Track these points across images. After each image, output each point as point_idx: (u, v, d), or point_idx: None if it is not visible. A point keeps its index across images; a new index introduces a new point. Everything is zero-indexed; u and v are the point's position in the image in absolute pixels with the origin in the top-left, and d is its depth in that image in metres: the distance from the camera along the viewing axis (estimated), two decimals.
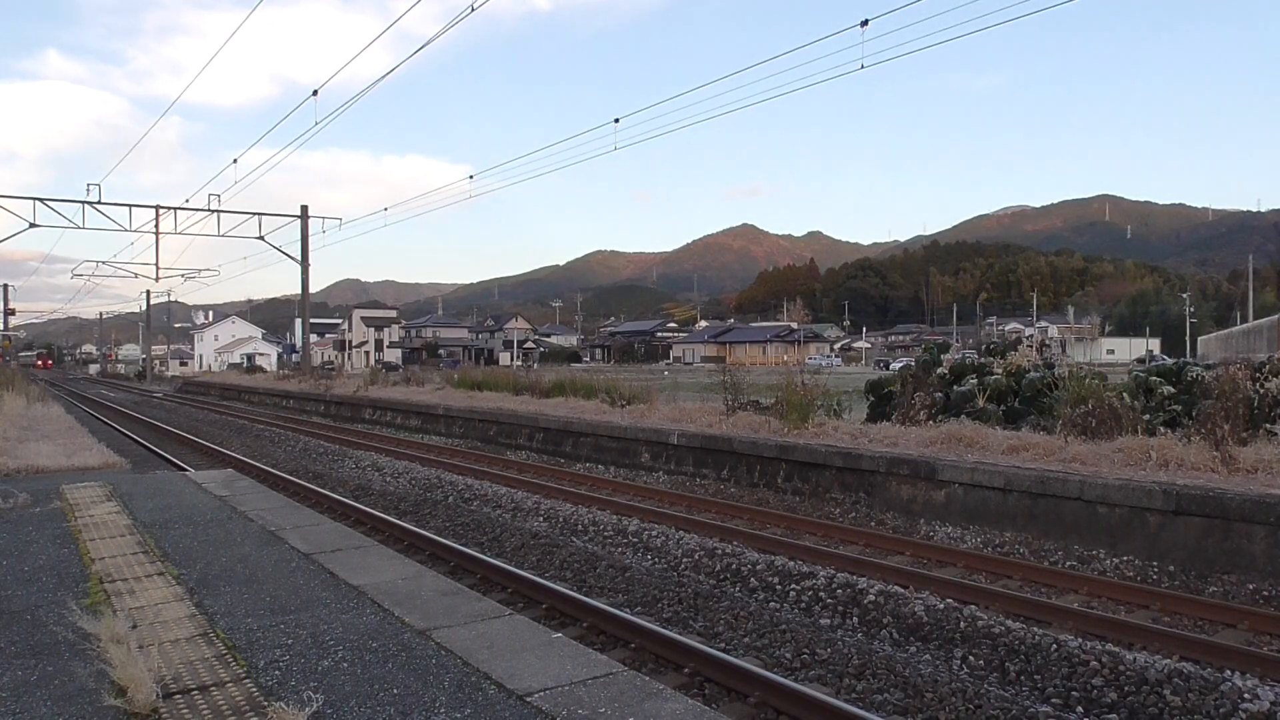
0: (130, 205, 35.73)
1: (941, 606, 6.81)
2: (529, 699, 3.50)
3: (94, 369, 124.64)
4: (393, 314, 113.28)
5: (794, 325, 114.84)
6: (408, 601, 4.87)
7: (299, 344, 59.10)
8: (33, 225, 33.54)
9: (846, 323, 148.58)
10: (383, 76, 19.29)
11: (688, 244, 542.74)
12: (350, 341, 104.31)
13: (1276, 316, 44.83)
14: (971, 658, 6.03)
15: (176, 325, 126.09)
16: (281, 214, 39.80)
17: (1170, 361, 16.87)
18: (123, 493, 8.84)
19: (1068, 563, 8.60)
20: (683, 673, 5.64)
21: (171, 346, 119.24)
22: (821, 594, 7.36)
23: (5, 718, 3.35)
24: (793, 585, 7.62)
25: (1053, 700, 5.38)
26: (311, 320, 58.10)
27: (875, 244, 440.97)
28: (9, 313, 69.51)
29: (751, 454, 13.26)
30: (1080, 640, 6.01)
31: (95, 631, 4.04)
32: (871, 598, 7.10)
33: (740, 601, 7.29)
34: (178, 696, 3.54)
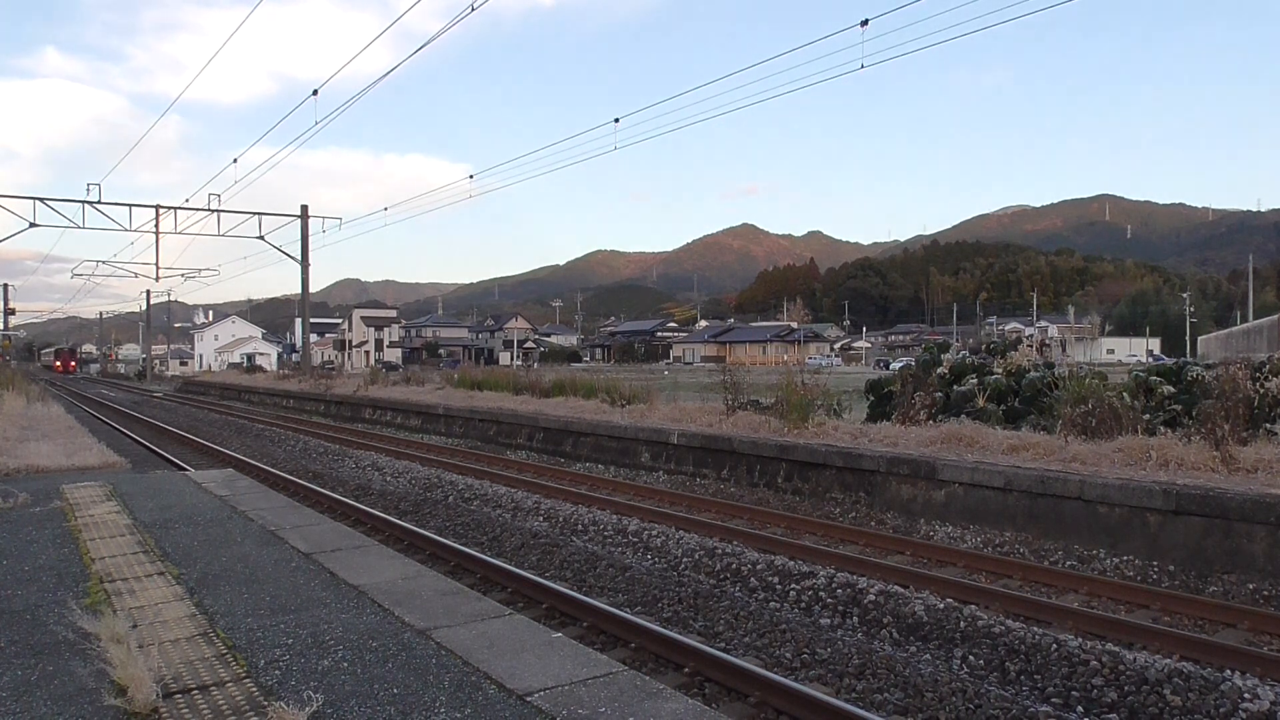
0: (130, 205, 35.77)
1: (941, 606, 6.81)
2: (529, 698, 3.50)
3: (94, 369, 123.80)
4: (393, 314, 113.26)
5: (794, 325, 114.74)
6: (408, 601, 4.87)
7: (299, 344, 59.11)
8: (33, 225, 33.56)
9: (846, 323, 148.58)
10: (384, 75, 19.29)
11: (688, 244, 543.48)
12: (350, 341, 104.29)
13: (1276, 316, 44.83)
14: (971, 657, 6.02)
15: (176, 325, 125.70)
16: (281, 214, 39.85)
17: (1170, 361, 16.86)
18: (123, 492, 8.84)
19: (1068, 562, 8.59)
20: (683, 672, 5.64)
21: (171, 346, 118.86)
22: (821, 594, 7.36)
23: (5, 718, 3.35)
24: (793, 585, 7.62)
25: (1053, 700, 5.38)
26: (311, 320, 58.10)
27: (875, 244, 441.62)
28: (9, 312, 69.54)
29: (751, 454, 13.26)
30: (1080, 640, 6.01)
31: (95, 631, 4.04)
32: (871, 597, 7.10)
33: (740, 601, 7.29)
34: (178, 696, 3.54)
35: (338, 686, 3.64)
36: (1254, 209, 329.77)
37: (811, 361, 71.71)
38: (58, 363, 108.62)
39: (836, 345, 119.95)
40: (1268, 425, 11.13)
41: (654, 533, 9.67)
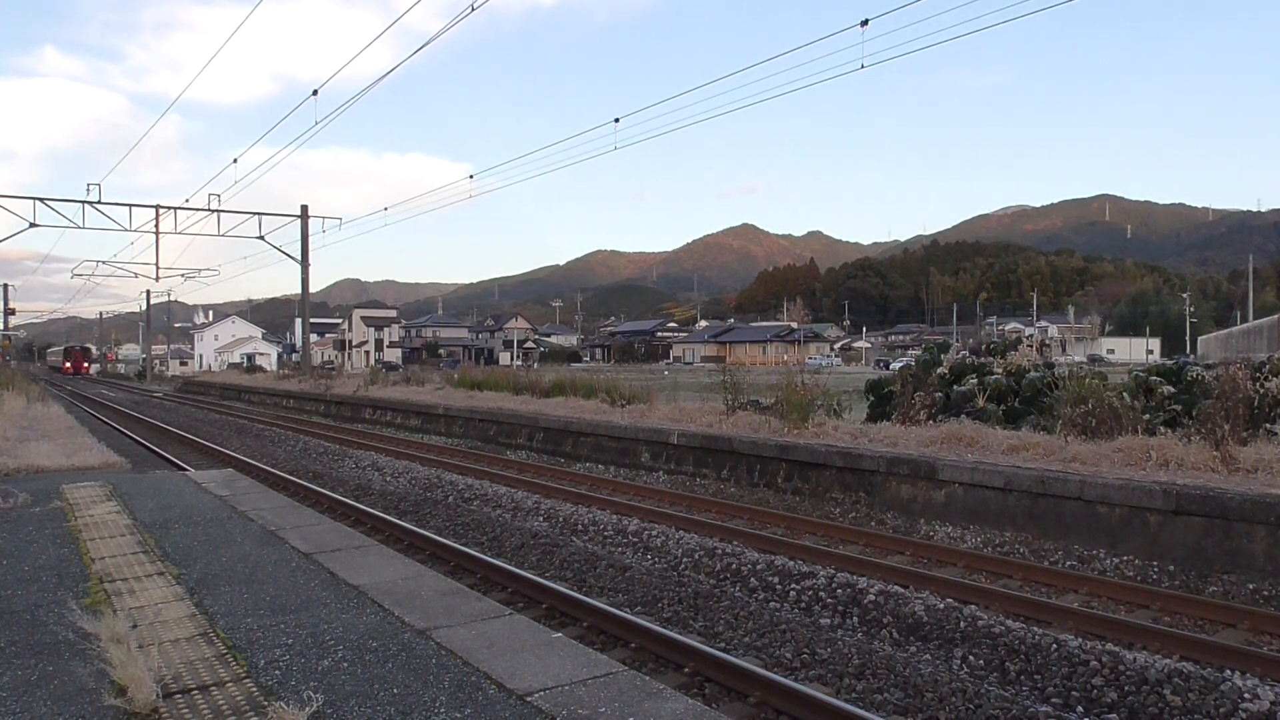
0: (130, 205, 35.76)
1: (941, 606, 6.81)
2: (529, 699, 3.50)
3: (94, 369, 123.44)
4: (393, 314, 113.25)
5: (794, 325, 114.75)
6: (408, 601, 4.87)
7: (299, 344, 59.12)
8: (33, 225, 33.55)
9: (846, 323, 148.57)
10: (384, 75, 19.29)
11: (688, 244, 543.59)
12: (350, 341, 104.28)
13: (1276, 316, 44.81)
14: (971, 657, 6.03)
15: (176, 325, 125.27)
16: (281, 214, 39.85)
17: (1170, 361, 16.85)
18: (123, 492, 8.84)
19: (1068, 562, 8.59)
20: (683, 672, 5.64)
21: (171, 346, 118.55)
22: (821, 594, 7.36)
23: (5, 718, 3.35)
24: (793, 585, 7.62)
25: (1053, 700, 5.38)
26: (311, 320, 58.11)
27: (875, 244, 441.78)
28: (9, 312, 69.54)
29: (751, 454, 13.25)
30: (1080, 640, 6.01)
31: (95, 631, 4.04)
32: (871, 597, 7.10)
33: (740, 601, 7.29)
34: (178, 696, 3.54)
35: (338, 686, 3.64)
36: (1254, 209, 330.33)
37: (811, 361, 71.71)
38: (67, 363, 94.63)
39: (836, 345, 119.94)
40: (1268, 425, 11.12)
41: (654, 533, 9.67)
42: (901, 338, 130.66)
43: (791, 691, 5.07)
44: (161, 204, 38.69)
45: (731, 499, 12.20)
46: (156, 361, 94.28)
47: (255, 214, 38.10)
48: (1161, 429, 11.48)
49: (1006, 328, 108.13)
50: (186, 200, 38.24)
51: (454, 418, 23.17)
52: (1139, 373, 13.85)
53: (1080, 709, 5.25)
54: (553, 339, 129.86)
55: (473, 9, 14.39)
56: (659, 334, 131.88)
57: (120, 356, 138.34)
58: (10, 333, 72.72)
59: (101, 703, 3.45)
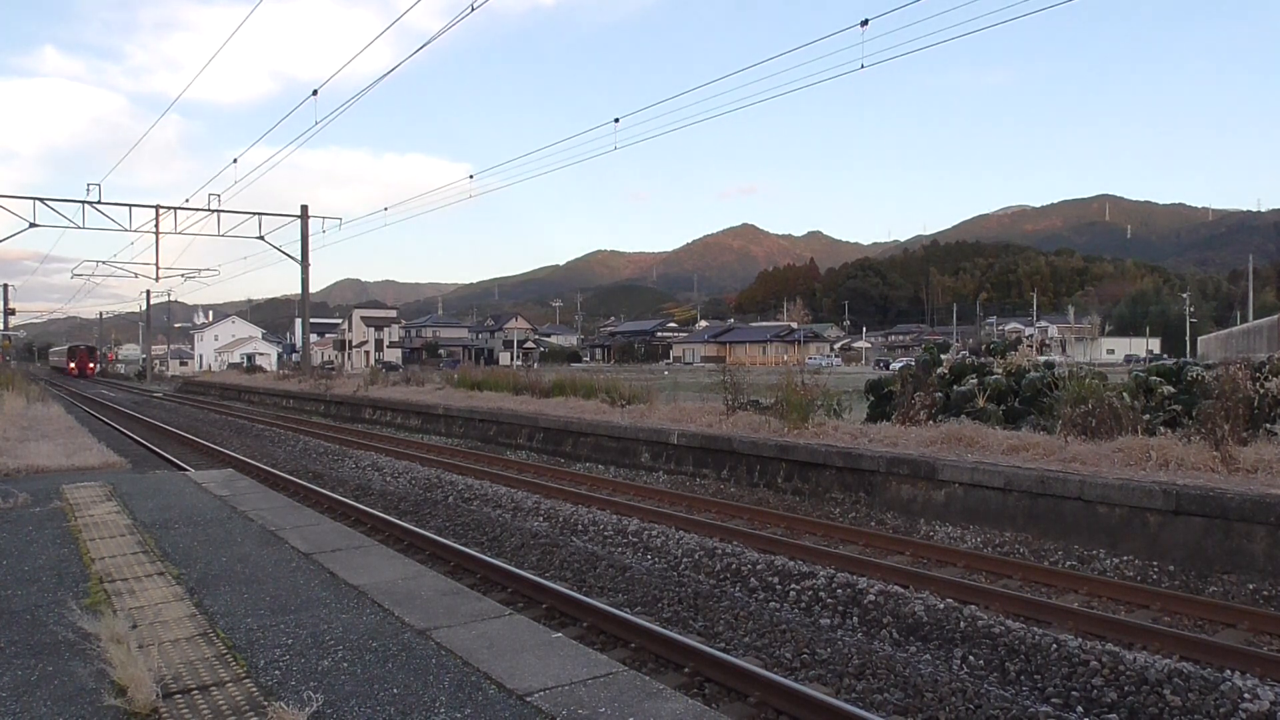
0: (130, 205, 35.74)
1: (941, 606, 6.81)
2: (529, 699, 3.50)
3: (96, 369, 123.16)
4: (393, 314, 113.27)
5: (794, 325, 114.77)
6: (408, 601, 4.87)
7: (299, 344, 59.12)
8: (33, 225, 33.54)
9: (846, 323, 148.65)
10: (384, 75, 19.29)
11: (688, 244, 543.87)
12: (350, 341, 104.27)
13: (1276, 316, 44.79)
14: (971, 658, 6.02)
15: (176, 325, 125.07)
16: (281, 214, 39.84)
17: (1170, 360, 16.85)
18: (123, 492, 8.84)
19: (1068, 563, 8.59)
20: (683, 673, 5.64)
21: (171, 346, 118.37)
22: (821, 594, 7.36)
23: (5, 718, 3.35)
24: (793, 585, 7.62)
25: (1053, 700, 5.38)
26: (311, 320, 58.11)
27: (875, 244, 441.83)
28: (9, 312, 69.53)
29: (751, 454, 13.26)
30: (1080, 640, 6.01)
31: (95, 631, 4.04)
32: (871, 597, 7.10)
33: (740, 601, 7.29)
34: (178, 696, 3.54)
35: (338, 686, 3.64)
36: (1254, 209, 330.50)
37: (811, 361, 71.68)
38: (71, 363, 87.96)
39: (836, 345, 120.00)
40: (1268, 425, 11.12)
41: (654, 533, 9.67)
42: (901, 338, 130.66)
43: (791, 691, 5.07)
44: (161, 204, 38.73)
45: (731, 499, 12.20)
46: (156, 361, 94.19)
47: (255, 214, 38.11)
48: (1161, 429, 11.48)
49: (1006, 328, 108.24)
50: (186, 200, 38.25)
51: (454, 418, 23.17)
52: (1139, 373, 13.85)
53: (1080, 709, 5.25)
54: (553, 339, 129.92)
55: (473, 9, 14.39)
56: (659, 334, 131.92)
57: (120, 356, 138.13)
58: (10, 333, 72.71)
59: (101, 703, 3.45)
